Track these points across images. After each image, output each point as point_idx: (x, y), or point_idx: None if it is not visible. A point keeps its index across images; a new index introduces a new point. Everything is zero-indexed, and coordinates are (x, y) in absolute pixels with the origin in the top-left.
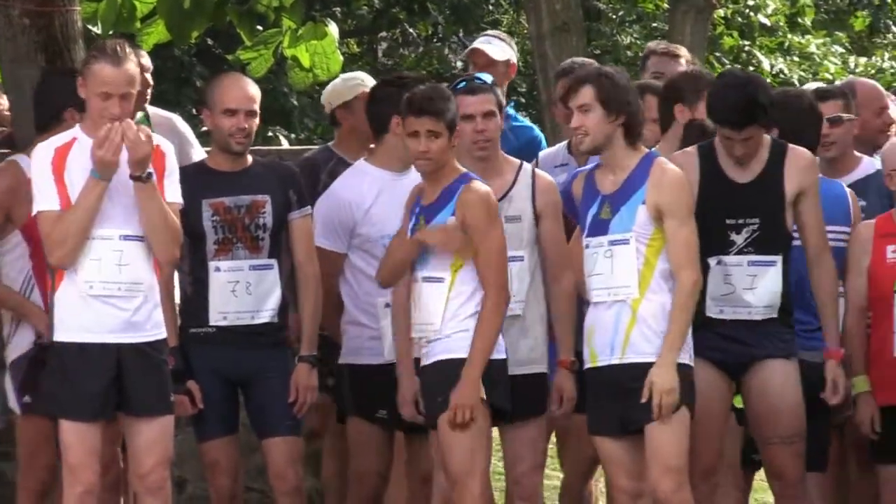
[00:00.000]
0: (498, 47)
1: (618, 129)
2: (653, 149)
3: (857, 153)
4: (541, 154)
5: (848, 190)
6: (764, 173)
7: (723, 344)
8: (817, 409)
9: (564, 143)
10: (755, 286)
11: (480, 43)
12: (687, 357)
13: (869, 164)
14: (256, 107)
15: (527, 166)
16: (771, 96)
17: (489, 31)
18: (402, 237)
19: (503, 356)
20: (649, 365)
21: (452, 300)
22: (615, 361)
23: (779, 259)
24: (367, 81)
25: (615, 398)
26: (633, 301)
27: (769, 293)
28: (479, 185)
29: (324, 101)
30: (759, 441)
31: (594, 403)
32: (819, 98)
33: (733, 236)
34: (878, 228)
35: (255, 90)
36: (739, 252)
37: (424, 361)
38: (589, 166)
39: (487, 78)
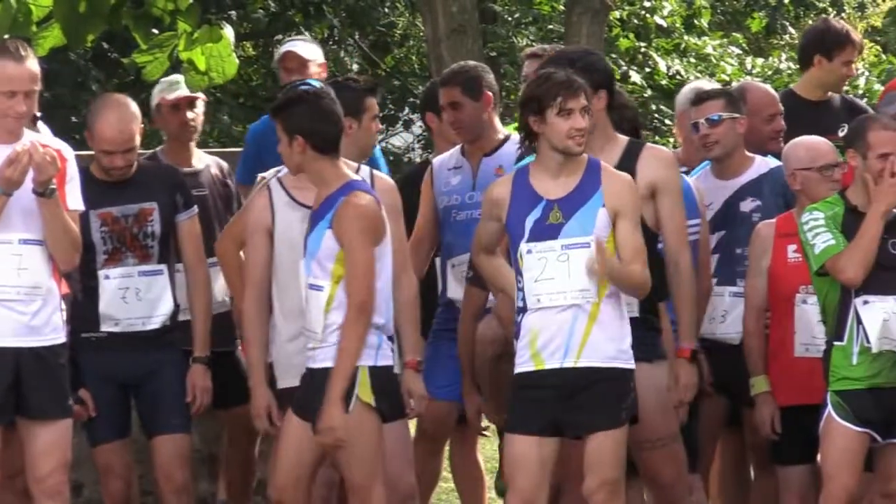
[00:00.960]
0: (308, 48)
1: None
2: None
3: (748, 153)
4: (435, 161)
5: (690, 182)
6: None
7: None
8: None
9: (458, 146)
10: None
11: (290, 46)
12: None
13: (762, 164)
14: (136, 141)
15: (364, 169)
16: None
17: (295, 37)
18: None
19: (388, 363)
20: (606, 369)
21: (334, 310)
22: (569, 365)
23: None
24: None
25: (560, 401)
26: (592, 305)
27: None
28: (359, 198)
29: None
30: (631, 445)
31: (524, 403)
32: (699, 100)
33: None
34: (778, 228)
35: (133, 124)
36: None
37: (309, 364)
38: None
39: (316, 84)
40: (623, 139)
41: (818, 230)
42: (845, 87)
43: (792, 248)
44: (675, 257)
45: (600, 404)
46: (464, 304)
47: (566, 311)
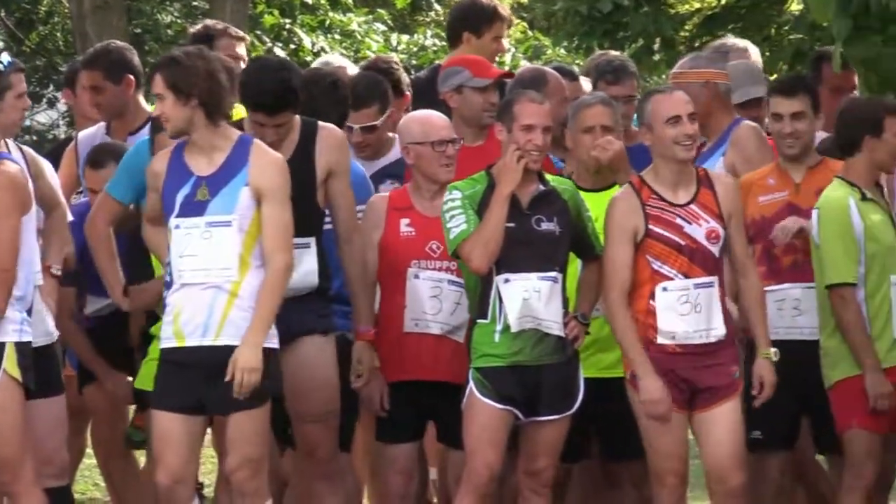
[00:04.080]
0: None
1: (196, 110)
2: None
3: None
4: (80, 134)
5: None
6: (295, 154)
7: None
8: None
9: (103, 124)
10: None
11: None
12: (273, 342)
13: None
14: None
15: (12, 144)
16: (301, 80)
17: None
18: None
19: (30, 339)
20: None
21: None
22: (208, 343)
23: (312, 240)
24: None
25: (202, 379)
26: (232, 284)
27: (305, 273)
28: (5, 167)
29: None
30: (293, 417)
31: (169, 380)
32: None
33: None
34: (392, 201)
35: None
36: None
37: None
38: None
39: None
40: (297, 120)
41: (454, 212)
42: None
43: (405, 221)
44: (346, 235)
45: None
46: (57, 303)
47: (208, 289)
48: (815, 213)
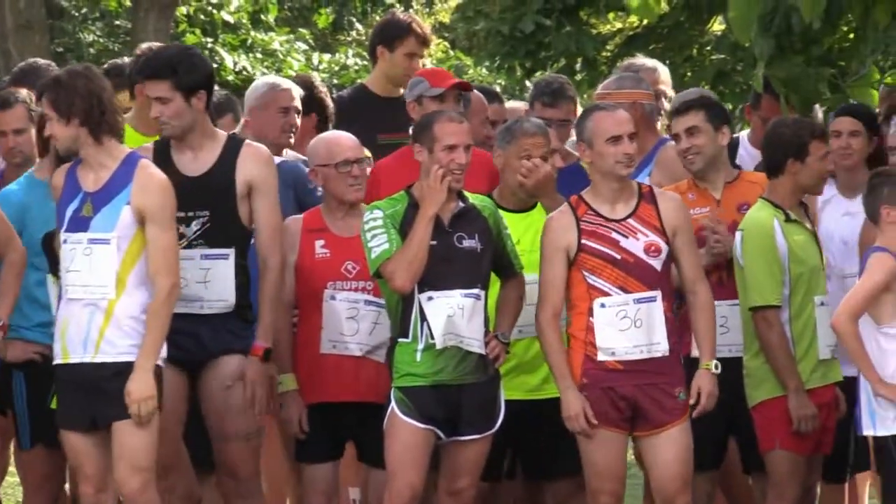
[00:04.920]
0: None
1: (80, 129)
2: None
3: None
4: None
5: None
6: (215, 166)
7: (180, 340)
8: None
9: None
10: (209, 279)
11: None
12: (159, 359)
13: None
14: None
15: None
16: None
17: None
18: None
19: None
20: (122, 364)
21: None
22: (88, 360)
23: (232, 252)
24: None
25: (87, 395)
26: (108, 302)
27: (223, 287)
28: None
29: None
30: (214, 437)
31: (64, 398)
32: None
33: (183, 229)
34: (306, 223)
35: None
36: (190, 245)
37: None
38: None
39: None
40: (223, 135)
41: (375, 231)
42: None
43: (320, 243)
44: (264, 254)
45: (120, 396)
46: None
47: (87, 306)
48: (738, 235)
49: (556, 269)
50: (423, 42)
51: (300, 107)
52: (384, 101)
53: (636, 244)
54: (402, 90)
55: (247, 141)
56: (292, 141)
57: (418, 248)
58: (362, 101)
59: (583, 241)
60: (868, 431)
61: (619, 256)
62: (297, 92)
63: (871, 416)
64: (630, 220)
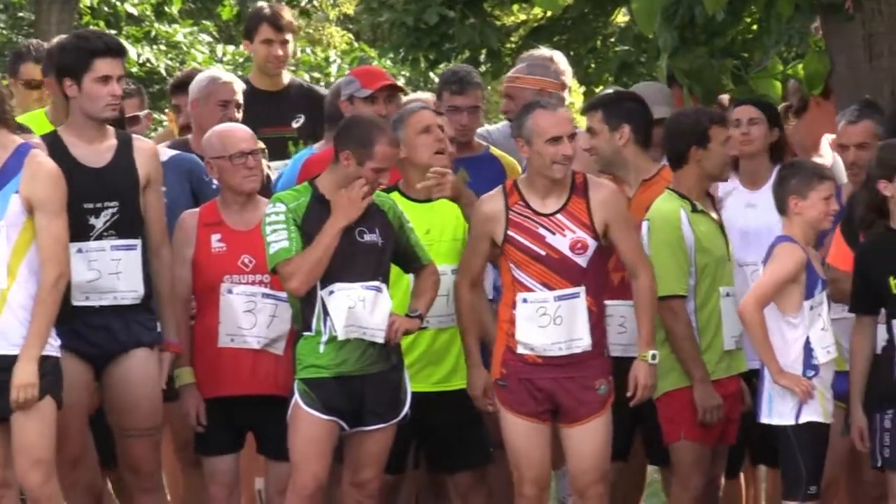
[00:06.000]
0: None
1: None
2: None
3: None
4: None
5: None
6: (115, 157)
7: (90, 334)
8: None
9: None
10: (120, 270)
11: None
12: (53, 349)
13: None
14: None
15: None
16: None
17: None
18: None
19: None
20: (11, 356)
21: None
22: None
23: (137, 242)
24: None
25: None
26: (2, 291)
27: (134, 278)
28: None
29: None
30: (116, 433)
31: None
32: None
33: (92, 220)
34: (202, 217)
35: None
36: (100, 237)
37: None
38: None
39: None
40: (111, 130)
41: (276, 226)
42: (317, 74)
43: (216, 237)
44: (157, 246)
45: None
46: None
47: None
48: (644, 225)
49: (479, 244)
50: (277, 27)
51: (241, 100)
52: (265, 94)
53: (562, 241)
54: (284, 82)
55: (135, 136)
56: None
57: (322, 255)
58: (246, 95)
59: (509, 233)
60: (766, 419)
61: (543, 252)
62: (239, 86)
63: (769, 405)
64: (559, 216)
